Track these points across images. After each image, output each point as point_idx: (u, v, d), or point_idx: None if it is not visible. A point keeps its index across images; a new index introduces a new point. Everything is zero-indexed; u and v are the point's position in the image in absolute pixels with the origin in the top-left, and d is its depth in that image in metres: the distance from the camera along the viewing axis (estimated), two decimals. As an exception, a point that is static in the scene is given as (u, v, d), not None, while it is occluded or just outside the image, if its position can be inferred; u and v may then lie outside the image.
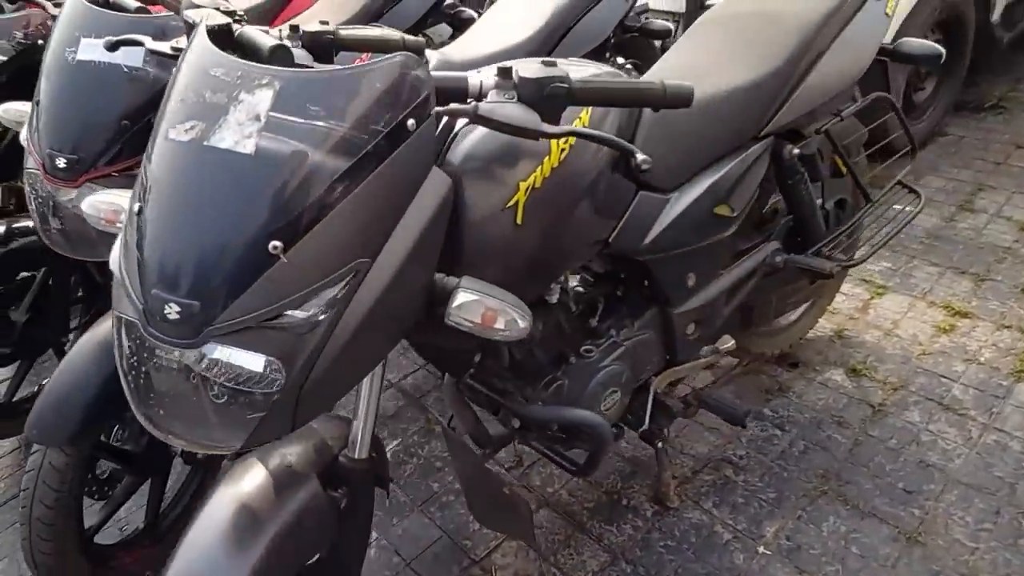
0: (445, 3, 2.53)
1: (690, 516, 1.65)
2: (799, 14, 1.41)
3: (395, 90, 0.75)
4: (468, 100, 0.86)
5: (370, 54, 1.65)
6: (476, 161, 0.94)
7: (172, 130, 0.72)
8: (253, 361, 0.71)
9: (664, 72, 1.40)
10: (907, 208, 1.73)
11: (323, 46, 1.31)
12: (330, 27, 1.34)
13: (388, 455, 1.92)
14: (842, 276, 2.05)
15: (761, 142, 1.39)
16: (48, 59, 1.47)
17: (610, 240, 1.18)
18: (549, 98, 0.85)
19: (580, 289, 1.38)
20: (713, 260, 1.41)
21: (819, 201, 1.69)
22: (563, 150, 1.00)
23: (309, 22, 2.32)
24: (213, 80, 0.73)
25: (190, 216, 0.70)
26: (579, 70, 1.02)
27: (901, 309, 2.21)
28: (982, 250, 2.41)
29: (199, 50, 0.78)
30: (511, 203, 0.96)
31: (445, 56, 1.77)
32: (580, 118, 1.03)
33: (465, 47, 1.86)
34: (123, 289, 0.73)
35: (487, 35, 1.94)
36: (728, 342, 1.52)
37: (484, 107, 0.83)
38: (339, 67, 0.75)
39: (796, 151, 1.44)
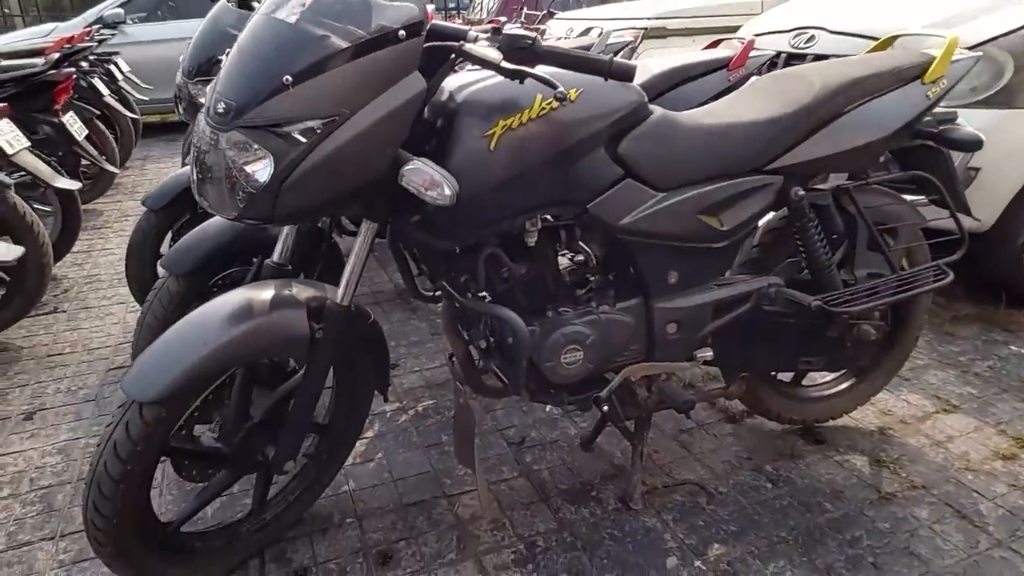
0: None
1: (646, 520, 1.71)
2: (830, 78, 1.59)
3: (394, 11, 1.13)
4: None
5: None
6: (472, 94, 1.28)
7: (263, 8, 1.16)
8: (258, 149, 1.09)
9: (707, 108, 1.64)
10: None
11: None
12: (532, 35, 1.50)
13: (420, 409, 2.22)
14: (887, 369, 2.02)
15: (763, 175, 1.56)
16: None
17: (588, 207, 1.43)
18: (517, 49, 1.18)
19: (574, 267, 1.62)
20: (698, 266, 1.58)
21: (836, 259, 1.75)
22: (543, 108, 1.31)
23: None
24: None
25: (249, 52, 1.12)
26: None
27: (964, 429, 2.08)
28: (1092, 404, 2.19)
29: None
30: (488, 132, 1.28)
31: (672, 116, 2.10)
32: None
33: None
34: (207, 98, 1.17)
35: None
36: (707, 353, 1.64)
37: (468, 46, 1.18)
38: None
39: (801, 193, 1.58)
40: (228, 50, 2.56)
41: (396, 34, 1.13)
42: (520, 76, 1.16)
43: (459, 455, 1.75)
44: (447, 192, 1.15)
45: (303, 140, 1.10)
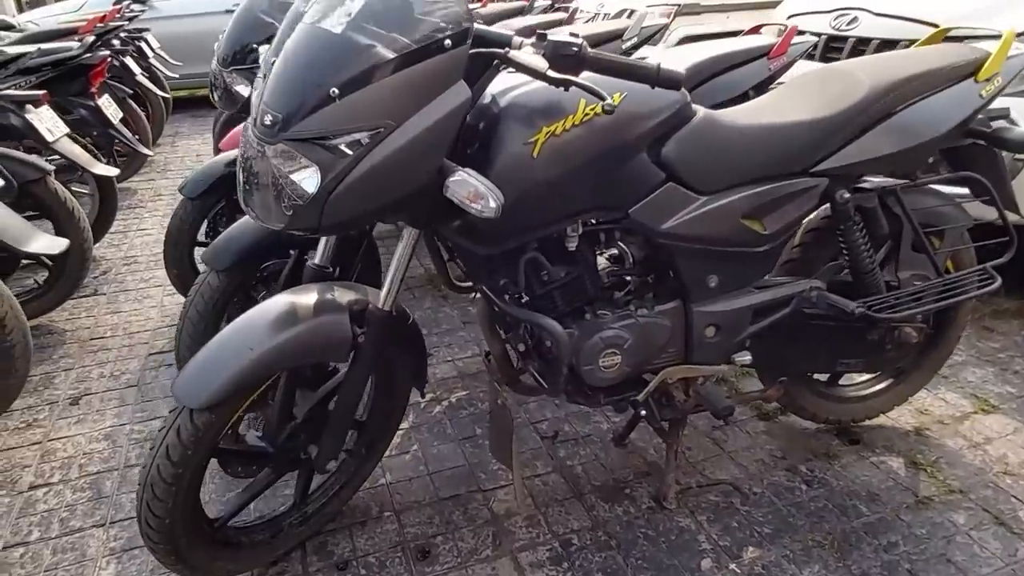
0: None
1: (680, 520, 1.73)
2: (879, 75, 1.55)
3: (440, 21, 1.11)
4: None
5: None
6: (516, 100, 1.27)
7: (307, 17, 1.15)
8: (305, 161, 1.09)
9: (740, 108, 1.61)
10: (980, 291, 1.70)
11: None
12: (579, 41, 1.38)
13: (453, 400, 2.24)
14: (928, 368, 1.99)
15: (809, 178, 1.53)
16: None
17: (630, 211, 1.42)
18: (563, 56, 1.16)
19: (615, 268, 1.61)
20: (739, 270, 1.56)
21: (878, 259, 1.72)
22: (587, 114, 1.29)
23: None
24: None
25: (295, 63, 1.12)
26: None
27: (1004, 430, 2.05)
28: None
29: None
30: (532, 139, 1.27)
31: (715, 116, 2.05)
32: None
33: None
34: (252, 108, 1.17)
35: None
36: (746, 357, 1.63)
37: (513, 53, 1.17)
38: None
39: (847, 195, 1.55)
40: (261, 42, 2.52)
41: (442, 44, 1.12)
42: (566, 84, 1.14)
43: (496, 453, 1.77)
44: (492, 204, 1.14)
45: (349, 152, 1.10)
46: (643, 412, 1.60)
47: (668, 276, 1.57)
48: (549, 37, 1.17)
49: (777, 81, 2.38)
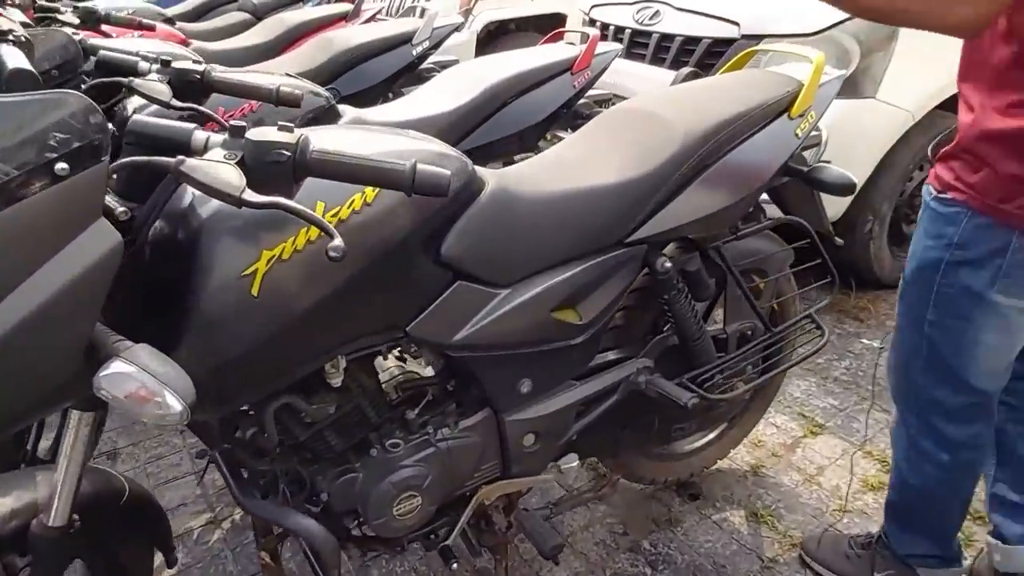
0: (421, 67, 2.55)
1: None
2: (692, 120, 1.31)
3: (46, 131, 0.69)
4: (191, 153, 0.80)
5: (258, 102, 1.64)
6: (223, 209, 0.88)
7: None
8: None
9: (537, 165, 1.32)
10: (805, 347, 1.57)
11: (189, 84, 1.28)
12: (202, 67, 1.31)
13: (238, 519, 1.80)
14: (759, 408, 1.88)
15: (627, 249, 1.28)
16: None
17: (408, 329, 1.08)
18: (271, 165, 0.78)
19: (402, 377, 1.27)
20: (555, 368, 1.29)
21: (719, 325, 1.56)
22: (339, 217, 0.92)
23: (280, 68, 2.32)
24: None
25: None
26: (345, 136, 0.97)
27: (831, 455, 2.00)
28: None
29: None
30: (248, 271, 0.88)
31: (361, 116, 1.74)
32: (364, 192, 0.96)
33: (388, 111, 1.82)
34: None
35: (418, 100, 1.91)
36: (572, 460, 1.38)
37: (190, 163, 0.76)
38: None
39: (667, 264, 1.32)
40: None
41: (52, 169, 0.69)
42: (251, 206, 0.76)
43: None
44: (174, 408, 0.74)
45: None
46: (454, 564, 1.30)
47: (471, 384, 1.26)
48: (249, 135, 0.79)
49: (583, 99, 2.12)
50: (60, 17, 2.49)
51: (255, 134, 0.78)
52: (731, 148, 1.34)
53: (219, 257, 0.87)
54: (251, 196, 0.75)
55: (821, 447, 2.04)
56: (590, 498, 1.54)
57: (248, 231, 0.88)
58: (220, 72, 1.30)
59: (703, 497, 1.85)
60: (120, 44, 2.05)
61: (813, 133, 1.56)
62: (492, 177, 1.16)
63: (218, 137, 0.81)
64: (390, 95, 2.44)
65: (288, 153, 0.78)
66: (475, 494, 1.32)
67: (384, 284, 1.01)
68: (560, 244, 1.20)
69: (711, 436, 1.85)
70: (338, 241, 0.75)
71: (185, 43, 2.77)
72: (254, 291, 0.88)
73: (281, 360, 0.96)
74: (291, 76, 1.64)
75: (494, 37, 4.59)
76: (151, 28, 2.53)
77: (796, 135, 1.41)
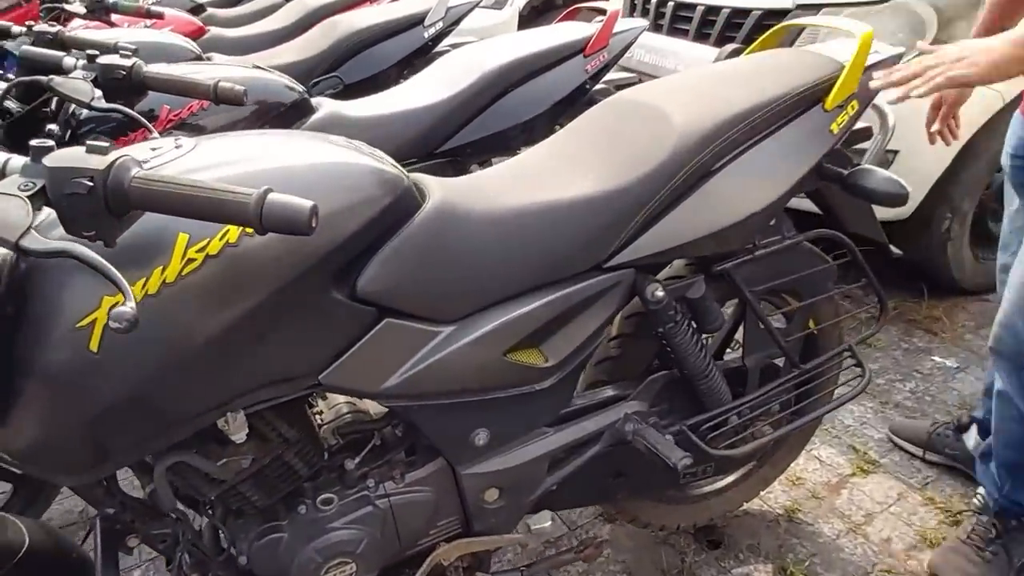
0: (436, 49, 2.35)
1: None
2: (696, 116, 1.07)
3: None
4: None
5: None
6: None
7: None
8: None
9: (498, 173, 1.10)
10: (842, 388, 1.30)
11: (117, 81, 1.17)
12: (130, 62, 1.20)
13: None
14: (797, 443, 1.61)
15: (607, 275, 1.05)
16: None
17: (321, 378, 0.90)
18: (72, 197, 0.61)
19: (349, 417, 1.10)
20: (517, 417, 1.08)
21: (739, 354, 1.32)
22: (191, 259, 0.75)
23: (281, 56, 2.16)
24: None
25: None
26: (222, 151, 0.79)
27: (884, 499, 1.71)
28: None
29: None
30: (85, 322, 0.72)
31: (339, 110, 1.56)
32: None
33: (369, 103, 1.64)
34: None
35: (406, 91, 1.71)
36: (545, 520, 1.18)
37: (58, 81, 0.63)
38: None
39: (659, 293, 1.08)
40: None
41: None
42: (31, 254, 0.60)
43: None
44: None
45: None
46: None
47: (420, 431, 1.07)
48: (49, 160, 0.62)
49: (601, 84, 1.87)
50: (68, 7, 2.42)
51: (55, 158, 0.61)
52: (744, 149, 1.09)
53: (52, 305, 0.72)
54: (33, 242, 0.58)
55: (873, 489, 1.75)
56: (570, 560, 1.32)
57: (87, 272, 0.72)
58: (153, 69, 1.16)
59: (725, 546, 1.61)
60: (113, 34, 1.94)
61: (861, 125, 1.29)
62: (439, 190, 0.97)
63: (19, 161, 0.65)
64: (401, 81, 2.26)
65: (90, 183, 0.60)
66: (431, 552, 1.14)
67: (279, 329, 0.83)
68: (518, 271, 0.99)
69: (734, 476, 1.61)
70: (126, 308, 0.57)
71: (200, 32, 2.67)
72: (92, 346, 0.72)
73: (147, 420, 0.80)
74: (260, 68, 1.48)
75: (540, 14, 4.33)
76: (160, 16, 2.44)
77: (831, 131, 1.14)
